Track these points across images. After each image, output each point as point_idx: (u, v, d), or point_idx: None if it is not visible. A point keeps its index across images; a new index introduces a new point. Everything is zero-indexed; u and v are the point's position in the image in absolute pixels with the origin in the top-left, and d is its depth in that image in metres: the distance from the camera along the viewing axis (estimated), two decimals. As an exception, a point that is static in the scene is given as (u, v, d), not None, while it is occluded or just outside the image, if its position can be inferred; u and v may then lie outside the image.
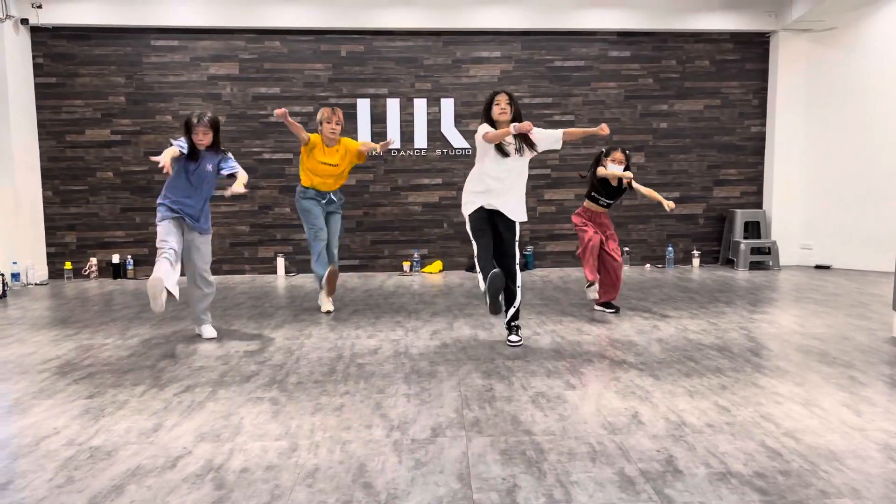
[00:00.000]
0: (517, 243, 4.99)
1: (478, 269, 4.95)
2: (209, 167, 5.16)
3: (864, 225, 8.79)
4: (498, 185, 4.87)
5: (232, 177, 5.25)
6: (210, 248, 5.34)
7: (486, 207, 4.90)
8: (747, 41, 9.35)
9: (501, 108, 4.87)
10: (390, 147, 6.17)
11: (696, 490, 2.68)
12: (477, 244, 4.94)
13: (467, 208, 4.98)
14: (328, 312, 6.31)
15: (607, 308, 6.19)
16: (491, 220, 4.94)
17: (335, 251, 6.42)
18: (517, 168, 4.93)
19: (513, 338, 5.05)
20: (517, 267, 4.98)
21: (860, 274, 8.53)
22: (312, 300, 6.98)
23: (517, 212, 4.94)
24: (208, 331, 5.37)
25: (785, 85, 9.24)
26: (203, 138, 5.04)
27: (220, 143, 5.22)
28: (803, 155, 9.34)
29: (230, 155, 5.33)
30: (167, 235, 4.98)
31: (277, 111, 5.64)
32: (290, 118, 5.77)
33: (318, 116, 6.19)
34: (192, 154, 5.06)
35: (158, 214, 5.09)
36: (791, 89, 9.25)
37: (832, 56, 9.02)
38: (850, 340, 5.08)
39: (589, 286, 6.06)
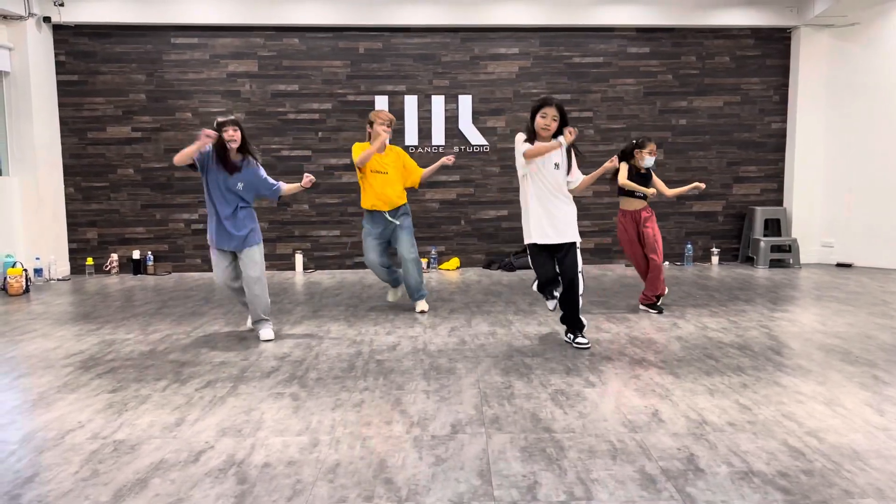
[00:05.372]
0: (578, 257, 4.85)
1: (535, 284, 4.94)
2: (237, 185, 5.05)
3: (887, 222, 8.69)
4: (545, 208, 4.77)
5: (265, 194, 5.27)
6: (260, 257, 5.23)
7: (542, 243, 4.78)
8: (768, 37, 9.26)
9: (547, 123, 4.67)
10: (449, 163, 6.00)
11: (718, 489, 2.67)
12: (537, 272, 4.86)
13: (526, 237, 4.91)
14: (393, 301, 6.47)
15: (651, 308, 6.12)
16: (549, 249, 4.83)
17: (411, 279, 6.10)
18: (554, 177, 4.79)
19: (581, 340, 4.87)
20: (579, 276, 4.82)
21: (882, 272, 8.43)
22: (330, 296, 7.02)
23: (570, 232, 4.81)
24: (265, 332, 5.22)
25: (806, 81, 9.14)
26: (234, 135, 4.94)
27: (248, 146, 5.09)
28: (824, 152, 9.24)
29: (259, 167, 5.18)
30: (215, 268, 5.25)
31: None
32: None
33: (370, 118, 5.92)
34: (224, 164, 4.98)
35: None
36: (812, 86, 9.15)
37: (854, 52, 8.91)
38: (873, 339, 5.03)
39: (654, 308, 6.10)
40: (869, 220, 8.86)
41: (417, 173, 6.14)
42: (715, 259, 9.35)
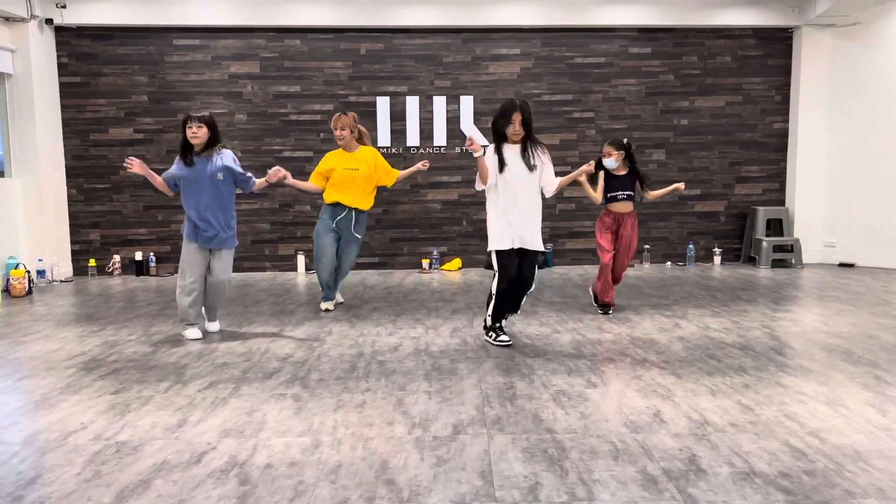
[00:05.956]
0: (535, 272, 5.02)
1: (491, 293, 4.96)
2: (217, 175, 5.14)
3: (889, 222, 8.67)
4: (515, 208, 4.86)
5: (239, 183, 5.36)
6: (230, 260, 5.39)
7: (512, 246, 4.87)
8: (770, 37, 9.25)
9: (515, 129, 4.80)
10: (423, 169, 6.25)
11: (720, 489, 2.67)
12: (501, 271, 4.89)
13: (494, 244, 4.92)
14: (327, 310, 6.31)
15: (603, 308, 6.09)
16: (517, 254, 4.93)
17: (341, 278, 6.43)
18: (527, 185, 4.90)
19: (503, 337, 5.01)
20: (529, 291, 5.07)
21: (885, 272, 8.42)
22: (333, 297, 7.02)
23: (535, 241, 4.93)
24: (214, 326, 5.57)
25: (808, 81, 9.13)
26: (197, 132, 5.04)
27: (218, 139, 5.18)
28: (826, 151, 9.23)
29: (229, 155, 5.26)
30: (186, 266, 5.20)
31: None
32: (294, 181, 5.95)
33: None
34: (188, 160, 5.12)
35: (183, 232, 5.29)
36: (814, 85, 9.14)
37: (856, 51, 8.90)
38: (875, 339, 5.02)
39: (601, 308, 6.09)
40: (871, 220, 8.85)
41: (392, 174, 6.33)
42: (717, 259, 9.35)
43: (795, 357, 4.58)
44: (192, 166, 5.12)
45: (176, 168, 5.18)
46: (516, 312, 5.27)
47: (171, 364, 4.57)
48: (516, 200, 4.87)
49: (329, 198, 6.11)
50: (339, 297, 6.67)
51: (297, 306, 6.61)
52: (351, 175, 6.05)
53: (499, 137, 4.90)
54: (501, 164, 4.84)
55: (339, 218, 6.11)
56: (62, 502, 2.63)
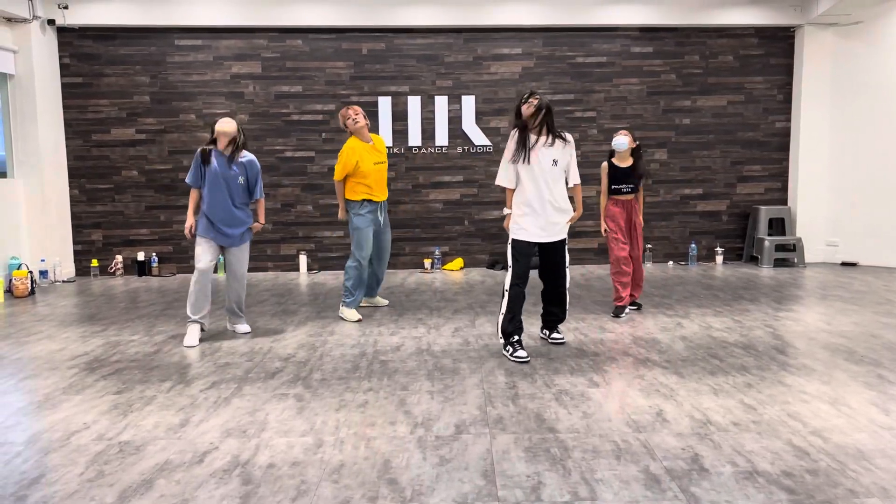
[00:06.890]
0: (567, 261, 4.86)
1: (504, 291, 4.65)
2: (235, 173, 5.25)
3: (891, 221, 8.66)
4: (542, 204, 4.63)
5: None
6: (245, 258, 5.45)
7: (533, 241, 4.66)
8: (772, 36, 9.24)
9: (531, 113, 4.60)
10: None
11: (723, 488, 2.66)
12: (516, 267, 4.65)
13: (513, 232, 4.71)
14: (359, 320, 5.89)
15: (630, 305, 6.20)
16: (535, 247, 4.73)
17: (383, 273, 6.43)
18: (552, 173, 4.68)
19: (556, 335, 5.01)
20: (566, 286, 4.89)
21: (887, 271, 8.41)
22: (334, 297, 7.02)
23: (562, 230, 4.75)
24: (243, 327, 5.55)
25: (810, 80, 9.12)
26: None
27: (216, 141, 5.26)
28: (829, 150, 9.22)
29: (255, 167, 5.37)
30: (201, 256, 5.21)
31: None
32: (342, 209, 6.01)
33: (341, 122, 5.98)
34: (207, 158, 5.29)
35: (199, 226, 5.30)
36: (816, 84, 9.12)
37: (858, 50, 8.88)
38: (878, 338, 5.02)
39: (617, 311, 5.90)
40: (873, 219, 8.84)
41: None
42: (719, 258, 9.33)
43: (798, 356, 4.57)
44: (210, 165, 5.25)
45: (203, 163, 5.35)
46: (562, 319, 5.01)
47: (174, 364, 4.58)
48: (540, 191, 4.65)
49: (361, 194, 5.86)
50: (382, 301, 6.59)
51: (300, 306, 6.61)
52: (378, 169, 5.92)
53: (523, 125, 4.64)
54: (527, 154, 4.60)
55: (376, 214, 5.97)
56: (65, 502, 2.63)
